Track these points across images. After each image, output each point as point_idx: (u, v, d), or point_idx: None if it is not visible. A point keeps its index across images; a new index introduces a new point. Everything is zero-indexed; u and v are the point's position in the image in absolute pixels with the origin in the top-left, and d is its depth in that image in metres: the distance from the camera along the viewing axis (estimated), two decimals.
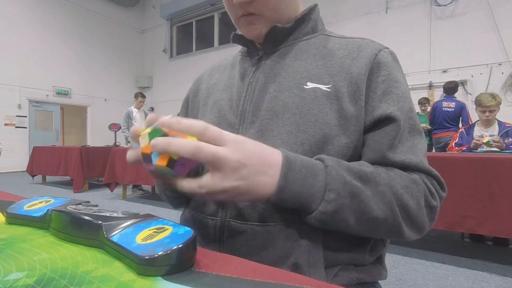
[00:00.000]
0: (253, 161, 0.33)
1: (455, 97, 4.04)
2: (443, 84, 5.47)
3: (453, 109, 3.87)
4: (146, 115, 4.65)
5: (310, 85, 0.46)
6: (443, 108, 3.90)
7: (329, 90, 0.46)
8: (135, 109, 4.51)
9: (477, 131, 2.72)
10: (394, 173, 0.41)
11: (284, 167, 0.35)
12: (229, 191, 0.33)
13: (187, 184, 0.33)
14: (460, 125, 3.91)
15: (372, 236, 0.43)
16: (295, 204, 0.37)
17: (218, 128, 0.33)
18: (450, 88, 3.99)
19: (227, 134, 0.33)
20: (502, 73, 5.16)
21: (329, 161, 0.38)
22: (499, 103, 2.62)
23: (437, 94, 4.48)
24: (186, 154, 0.31)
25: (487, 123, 2.66)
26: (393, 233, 0.41)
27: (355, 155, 0.45)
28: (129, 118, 4.45)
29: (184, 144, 0.31)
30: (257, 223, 0.42)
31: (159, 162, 0.33)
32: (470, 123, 3.88)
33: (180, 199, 0.54)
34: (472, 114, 2.79)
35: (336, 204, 0.36)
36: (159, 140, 0.31)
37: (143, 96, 4.57)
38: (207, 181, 0.32)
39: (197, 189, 0.33)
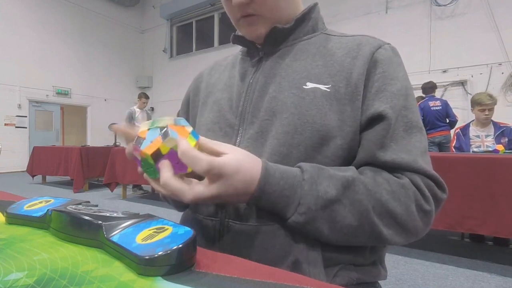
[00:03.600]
0: (236, 187, 0.35)
1: (435, 95, 4.10)
2: (444, 83, 5.51)
3: (440, 107, 3.92)
4: (148, 115, 4.67)
5: (309, 85, 0.46)
6: (431, 108, 3.94)
7: (328, 90, 0.45)
8: (137, 109, 4.54)
9: (473, 131, 2.73)
10: (381, 178, 0.41)
11: (261, 181, 0.37)
12: (218, 200, 0.36)
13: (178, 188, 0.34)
14: (447, 120, 3.95)
15: (352, 244, 0.42)
16: (271, 210, 0.39)
17: (220, 160, 0.34)
18: (429, 88, 4.07)
19: (224, 168, 0.34)
20: (502, 73, 5.16)
21: (307, 174, 0.39)
22: (496, 102, 2.65)
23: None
24: (198, 171, 0.33)
25: (485, 123, 2.67)
26: (373, 239, 0.40)
27: (351, 156, 0.45)
28: (131, 118, 4.47)
29: (197, 161, 0.32)
30: (256, 223, 0.42)
31: (146, 149, 0.32)
32: (457, 118, 3.93)
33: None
34: (466, 115, 2.81)
35: (307, 217, 0.38)
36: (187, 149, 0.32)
37: (147, 97, 4.61)
38: (202, 189, 0.34)
39: (188, 194, 0.34)
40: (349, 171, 0.41)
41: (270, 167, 0.38)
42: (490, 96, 2.63)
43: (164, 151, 0.33)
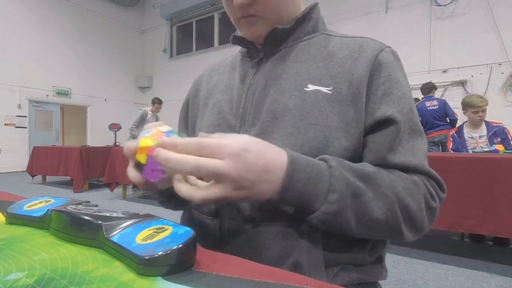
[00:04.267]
0: (254, 171, 0.32)
1: (433, 96, 4.10)
2: (444, 83, 5.51)
3: (437, 107, 3.92)
4: (157, 119, 4.75)
5: (311, 87, 0.46)
6: (428, 108, 3.94)
7: (330, 92, 0.45)
8: (150, 112, 4.64)
9: (467, 133, 2.76)
10: (395, 175, 0.41)
11: (289, 166, 0.35)
12: (229, 199, 0.33)
13: (185, 190, 0.33)
14: (447, 120, 3.95)
15: (372, 238, 0.43)
16: (297, 204, 0.37)
17: (216, 141, 0.32)
18: (427, 89, 4.08)
19: (226, 147, 0.32)
20: (502, 73, 5.16)
21: (333, 162, 0.38)
22: (487, 103, 2.69)
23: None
24: (186, 172, 0.32)
25: (479, 124, 2.70)
26: (393, 234, 0.41)
27: (356, 158, 0.45)
28: (142, 118, 4.56)
29: (184, 162, 0.31)
30: (257, 224, 0.42)
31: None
32: (456, 116, 3.92)
33: (173, 202, 0.53)
34: (463, 118, 2.85)
35: (339, 205, 0.36)
36: (160, 153, 0.32)
37: (160, 102, 4.73)
38: (207, 193, 0.33)
39: (195, 197, 0.33)
40: (367, 166, 0.41)
41: (296, 154, 0.37)
42: (481, 97, 2.68)
43: (143, 161, 0.35)
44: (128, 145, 0.37)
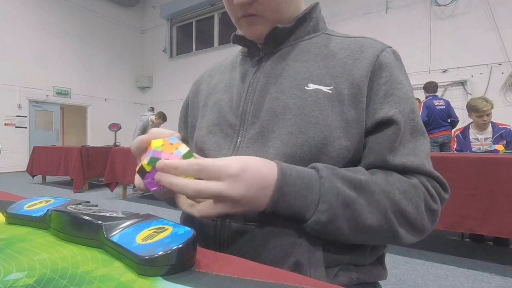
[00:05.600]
0: (253, 188, 0.34)
1: (437, 95, 4.07)
2: (444, 83, 5.50)
3: (444, 107, 3.88)
4: None
5: (311, 86, 0.46)
6: (436, 107, 3.89)
7: (330, 91, 0.45)
8: (151, 122, 4.63)
9: (472, 134, 2.70)
10: (393, 178, 0.41)
11: (279, 181, 0.36)
12: (229, 214, 0.35)
13: (187, 208, 0.36)
14: (449, 120, 3.91)
15: (368, 243, 0.44)
16: (289, 214, 0.38)
17: (215, 163, 0.33)
18: (433, 87, 4.03)
19: (225, 168, 0.33)
20: (502, 73, 5.16)
21: (323, 171, 0.39)
22: (492, 106, 2.60)
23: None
24: (187, 195, 0.34)
25: (484, 127, 2.65)
26: (389, 239, 0.41)
27: (356, 158, 0.45)
28: (145, 126, 4.62)
29: (184, 187, 0.32)
30: (257, 224, 0.42)
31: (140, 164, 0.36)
32: (458, 119, 3.89)
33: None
34: (466, 115, 2.77)
35: (329, 214, 0.37)
36: (163, 177, 0.33)
37: (165, 120, 4.67)
38: (208, 210, 0.35)
39: (196, 213, 0.36)
40: (361, 172, 0.41)
41: (286, 166, 0.38)
42: (486, 100, 2.58)
43: (147, 168, 0.35)
44: (138, 141, 0.38)
